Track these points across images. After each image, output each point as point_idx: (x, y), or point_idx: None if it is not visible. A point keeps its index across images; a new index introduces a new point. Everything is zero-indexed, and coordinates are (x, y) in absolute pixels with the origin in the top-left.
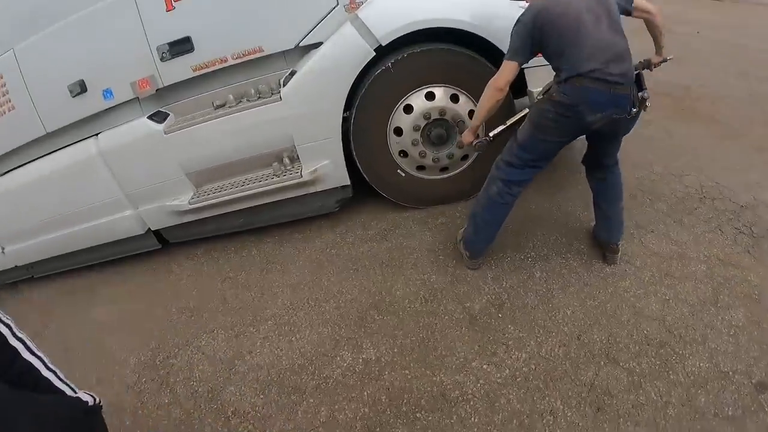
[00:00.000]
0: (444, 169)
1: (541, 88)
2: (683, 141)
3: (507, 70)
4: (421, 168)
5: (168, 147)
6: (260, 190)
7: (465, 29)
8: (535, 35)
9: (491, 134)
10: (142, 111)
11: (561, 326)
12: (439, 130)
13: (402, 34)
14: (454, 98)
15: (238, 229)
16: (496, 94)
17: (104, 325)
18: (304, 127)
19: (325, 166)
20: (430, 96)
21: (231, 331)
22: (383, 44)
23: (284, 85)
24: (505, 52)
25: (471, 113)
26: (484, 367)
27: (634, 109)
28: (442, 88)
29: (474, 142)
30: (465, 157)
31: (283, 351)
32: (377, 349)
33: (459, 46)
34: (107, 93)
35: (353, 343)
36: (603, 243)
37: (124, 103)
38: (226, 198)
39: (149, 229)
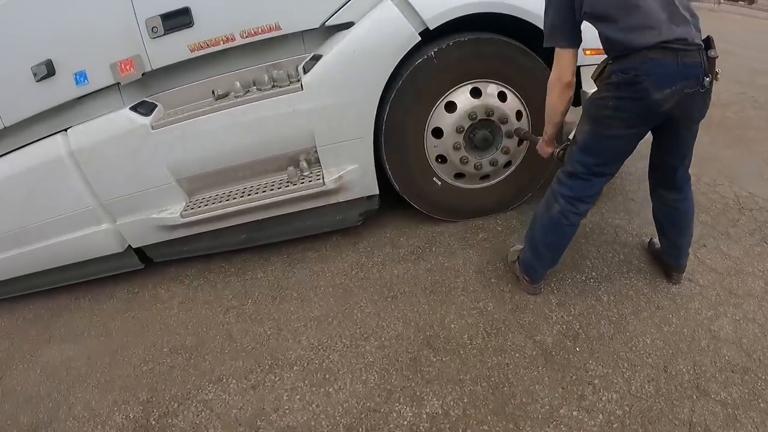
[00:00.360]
0: (484, 177)
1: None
2: (703, 150)
3: (565, 60)
4: (459, 176)
5: (155, 146)
6: (272, 200)
7: (529, 20)
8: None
9: (571, 136)
10: (123, 101)
11: (644, 358)
12: (484, 132)
13: (455, 17)
14: (502, 96)
15: (239, 247)
16: (566, 91)
17: (77, 369)
18: (329, 124)
19: (352, 171)
20: (475, 93)
21: (246, 381)
22: (431, 28)
23: (306, 72)
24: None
25: (518, 114)
26: (575, 414)
27: (707, 78)
28: (490, 84)
29: (556, 152)
30: (508, 164)
31: (320, 407)
32: (442, 400)
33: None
34: (80, 77)
35: (410, 394)
36: (670, 266)
37: (101, 90)
38: (229, 210)
39: (130, 246)
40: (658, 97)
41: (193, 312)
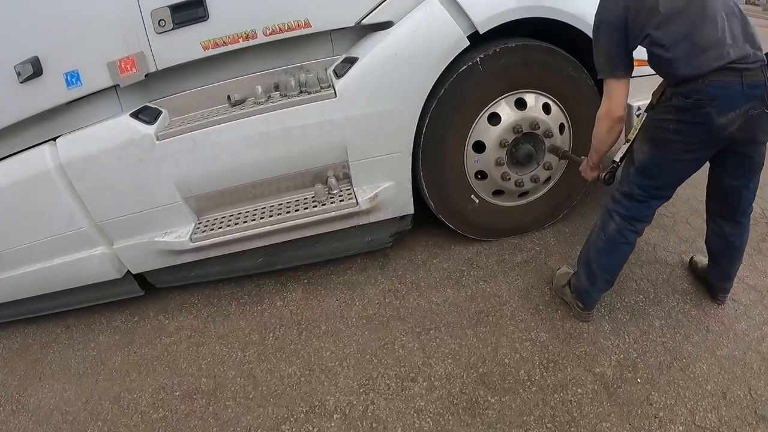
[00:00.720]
0: (522, 194)
1: (641, 103)
2: None
3: (618, 92)
4: (497, 193)
5: (160, 159)
6: (298, 222)
7: (581, 29)
8: (627, 25)
9: (616, 159)
10: (121, 106)
11: (703, 385)
12: (527, 146)
13: (508, 20)
14: (546, 108)
15: (254, 272)
16: (617, 126)
17: (73, 414)
18: (364, 136)
19: (387, 189)
20: (519, 104)
21: None
22: (481, 32)
23: (339, 76)
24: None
25: (561, 127)
26: None
27: None
28: (534, 95)
29: (602, 175)
30: (547, 180)
31: None
32: None
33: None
34: (72, 77)
35: None
36: (716, 288)
37: (96, 93)
38: (247, 234)
39: (129, 272)
40: (722, 122)
41: (205, 348)
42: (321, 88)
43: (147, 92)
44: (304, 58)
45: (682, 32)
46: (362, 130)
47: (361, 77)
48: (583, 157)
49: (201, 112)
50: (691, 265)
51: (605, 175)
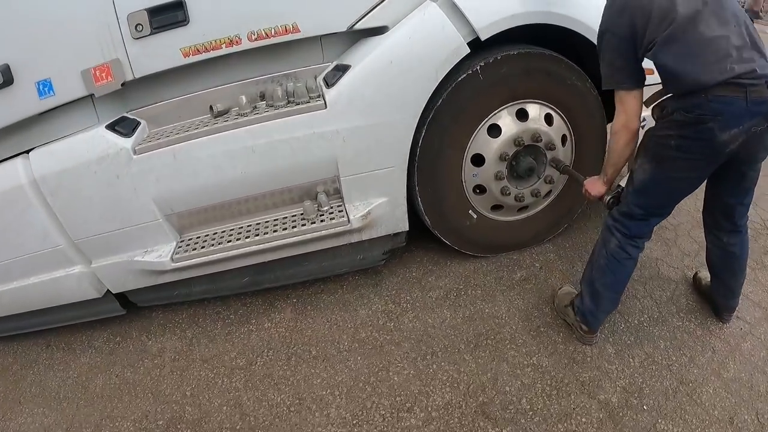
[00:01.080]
0: (522, 209)
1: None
2: None
3: (631, 104)
4: (496, 207)
5: (138, 175)
6: (285, 241)
7: (587, 36)
8: (633, 35)
9: (622, 183)
10: (98, 116)
11: (710, 411)
12: (529, 160)
13: (512, 26)
14: (548, 119)
15: (239, 291)
16: (634, 139)
17: None
18: (356, 150)
19: (380, 206)
20: (521, 115)
21: None
22: (482, 38)
23: (329, 86)
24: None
25: (563, 139)
26: None
27: None
28: (537, 105)
29: (607, 199)
30: (548, 194)
31: None
32: None
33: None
34: (44, 86)
35: None
36: (721, 305)
37: (70, 103)
38: (231, 254)
39: (109, 291)
40: (725, 138)
41: (190, 373)
42: (310, 98)
43: (125, 102)
44: (292, 66)
45: (689, 44)
46: (354, 144)
47: (353, 87)
48: (585, 177)
49: (182, 123)
50: (695, 282)
51: (610, 200)
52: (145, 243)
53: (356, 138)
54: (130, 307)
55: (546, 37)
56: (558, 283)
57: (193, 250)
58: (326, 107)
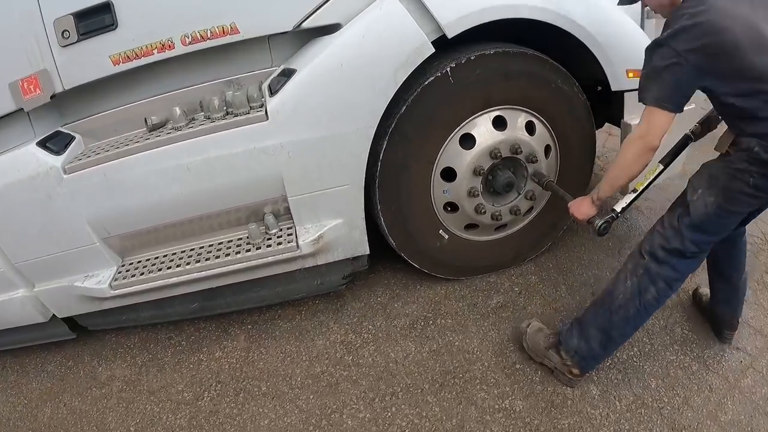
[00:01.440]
0: (500, 227)
1: None
2: None
3: (660, 122)
4: (471, 227)
5: (70, 195)
6: (228, 269)
7: (575, 35)
8: (699, 62)
9: (618, 208)
10: (34, 131)
11: None
12: (507, 174)
13: (483, 21)
14: (529, 128)
15: (190, 317)
16: (647, 155)
17: None
18: (304, 167)
19: (335, 229)
20: (498, 123)
21: None
22: (449, 36)
23: (273, 93)
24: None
25: (547, 149)
26: None
27: None
28: (516, 112)
29: (597, 224)
30: (529, 210)
31: None
32: None
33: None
34: None
35: None
36: (723, 319)
37: (3, 117)
38: (171, 282)
39: (55, 315)
40: None
41: (135, 406)
42: (250, 108)
43: (62, 115)
44: (237, 71)
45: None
46: (301, 160)
47: (297, 94)
48: (573, 197)
49: (116, 138)
50: (695, 298)
51: (601, 224)
52: (85, 267)
53: (303, 153)
54: (82, 330)
55: (531, 37)
56: (524, 320)
57: (132, 276)
58: (267, 118)
